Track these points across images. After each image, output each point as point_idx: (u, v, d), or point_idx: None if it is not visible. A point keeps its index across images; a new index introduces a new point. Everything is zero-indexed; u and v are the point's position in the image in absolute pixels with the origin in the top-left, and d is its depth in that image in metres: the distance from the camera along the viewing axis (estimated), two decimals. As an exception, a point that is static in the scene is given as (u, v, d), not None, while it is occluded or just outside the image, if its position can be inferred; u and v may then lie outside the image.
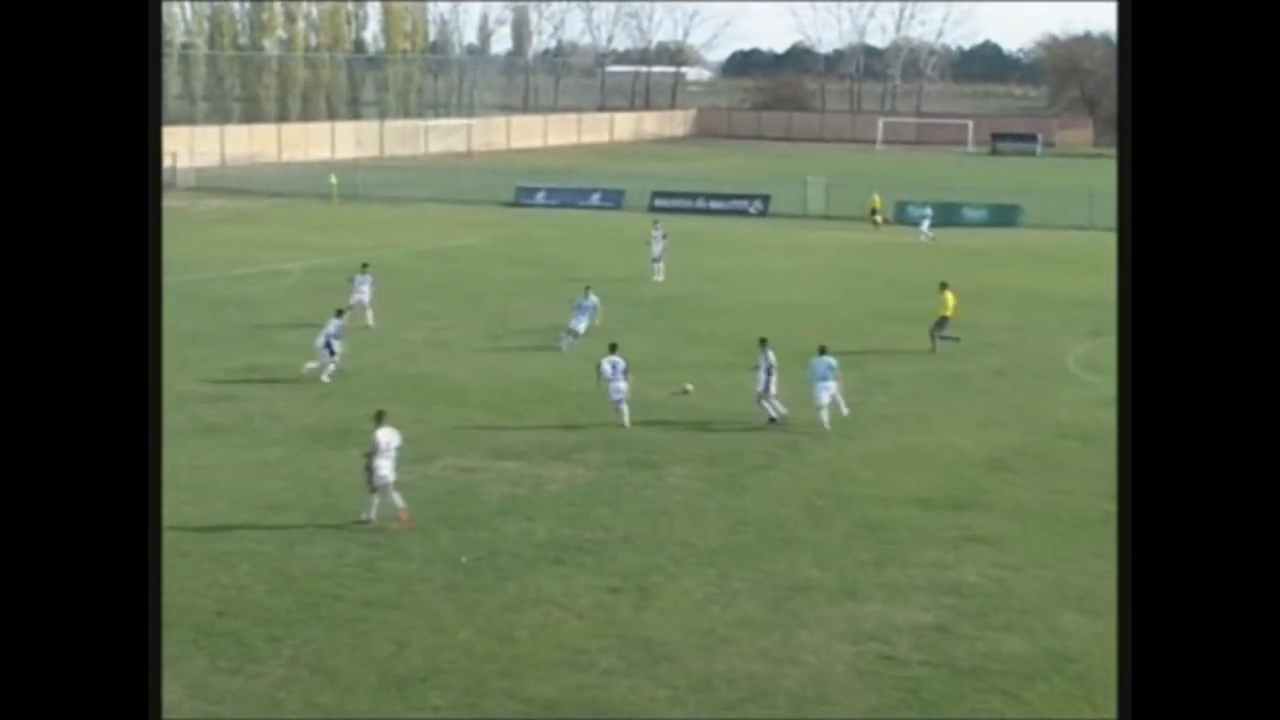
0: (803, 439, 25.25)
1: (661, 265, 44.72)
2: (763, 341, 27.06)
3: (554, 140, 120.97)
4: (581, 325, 33.39)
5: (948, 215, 63.25)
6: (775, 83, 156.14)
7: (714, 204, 67.68)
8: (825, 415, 26.11)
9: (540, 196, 70.04)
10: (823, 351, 26.97)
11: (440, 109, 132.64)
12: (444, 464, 23.52)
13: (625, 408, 26.20)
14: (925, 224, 58.02)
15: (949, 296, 33.84)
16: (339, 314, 30.73)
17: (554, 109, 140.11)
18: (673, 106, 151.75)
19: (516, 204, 69.16)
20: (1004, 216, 62.58)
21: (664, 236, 45.62)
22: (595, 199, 69.38)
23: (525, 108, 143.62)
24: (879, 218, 61.99)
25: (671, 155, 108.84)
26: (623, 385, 26.19)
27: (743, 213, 66.42)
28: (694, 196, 68.59)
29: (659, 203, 68.38)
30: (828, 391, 26.30)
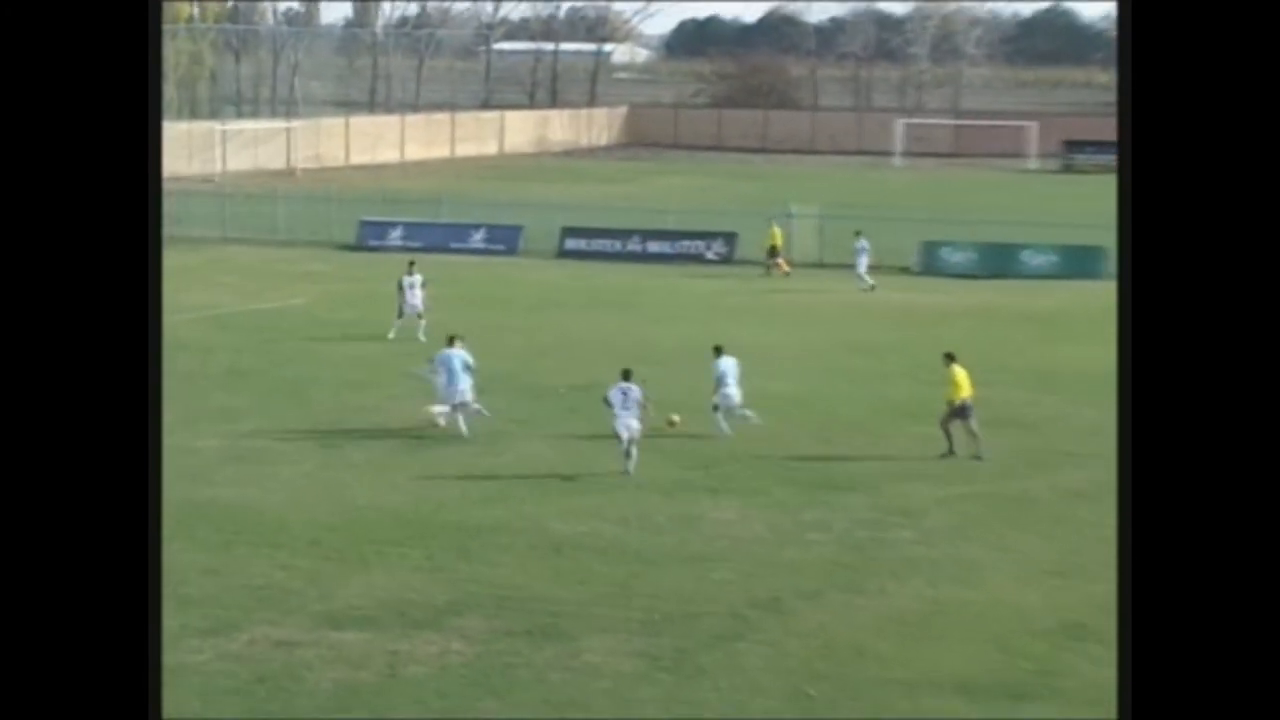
0: (785, 594, 25.34)
1: (424, 323, 46.66)
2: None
3: (416, 152, 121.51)
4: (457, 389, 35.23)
5: (999, 262, 64.10)
6: (744, 67, 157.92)
7: (654, 246, 68.34)
8: (724, 422, 34.98)
9: (396, 236, 70.40)
10: (719, 352, 36.12)
11: (245, 106, 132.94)
12: (250, 636, 23.43)
13: (635, 451, 31.91)
14: (863, 262, 59.53)
15: (957, 371, 34.69)
16: (452, 341, 36.13)
17: (416, 106, 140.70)
18: (592, 102, 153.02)
19: (360, 246, 69.38)
20: (1081, 263, 63.26)
21: (423, 284, 47.76)
22: (478, 239, 69.81)
23: (373, 104, 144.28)
24: (779, 262, 63.27)
25: (591, 174, 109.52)
26: (634, 423, 32.06)
27: (697, 258, 67.06)
28: (625, 235, 69.30)
29: (572, 244, 68.84)
30: (734, 395, 35.35)
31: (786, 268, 63.08)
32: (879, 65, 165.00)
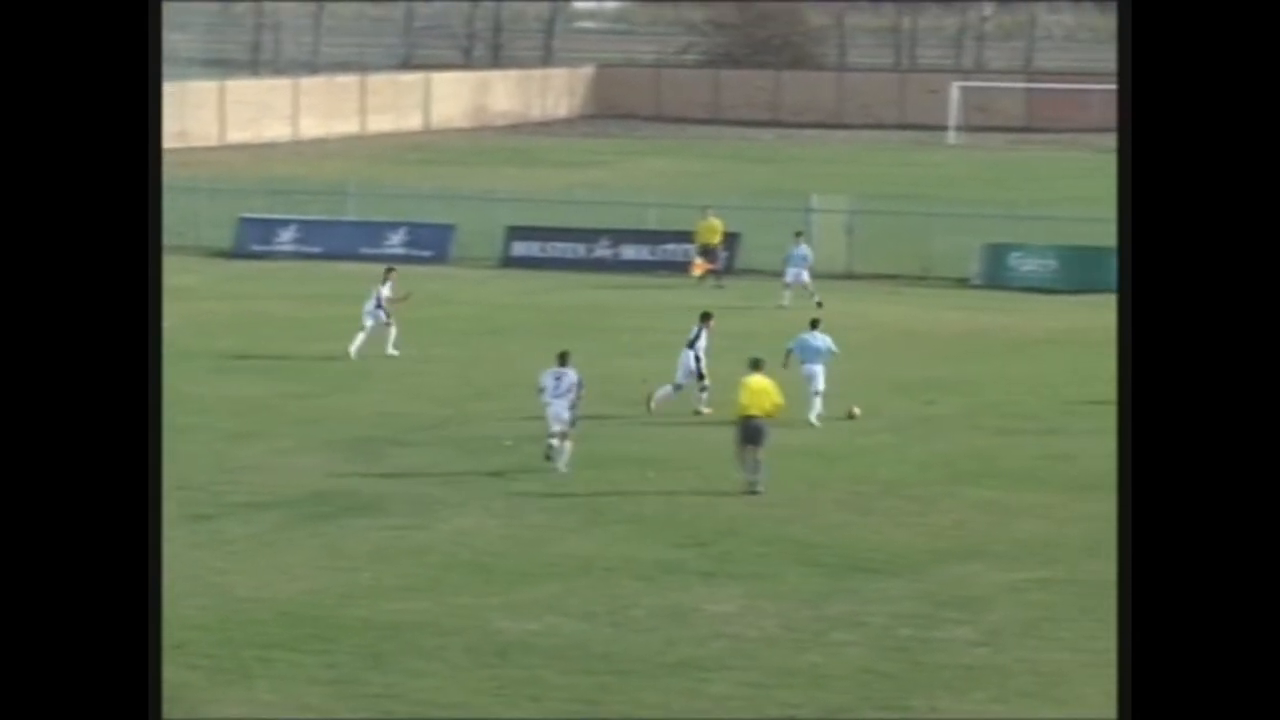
0: (805, 712, 25.30)
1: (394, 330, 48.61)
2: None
3: (314, 127, 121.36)
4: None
5: (1086, 271, 63.23)
6: (748, 14, 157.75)
7: (629, 251, 68.57)
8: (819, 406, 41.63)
9: (287, 238, 70.62)
10: (815, 325, 43.04)
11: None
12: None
13: (566, 445, 36.69)
14: (795, 274, 60.37)
15: (755, 382, 36.35)
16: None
17: (314, 66, 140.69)
18: (547, 61, 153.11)
19: (240, 253, 69.54)
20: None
21: (389, 297, 49.57)
22: (396, 242, 69.76)
23: (256, 63, 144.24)
24: (698, 263, 63.96)
25: (546, 155, 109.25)
26: (566, 413, 36.61)
27: (687, 267, 66.17)
28: (591, 236, 69.40)
29: (521, 248, 68.78)
30: (819, 379, 41.81)
31: (700, 270, 63.41)
32: (927, 11, 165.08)
